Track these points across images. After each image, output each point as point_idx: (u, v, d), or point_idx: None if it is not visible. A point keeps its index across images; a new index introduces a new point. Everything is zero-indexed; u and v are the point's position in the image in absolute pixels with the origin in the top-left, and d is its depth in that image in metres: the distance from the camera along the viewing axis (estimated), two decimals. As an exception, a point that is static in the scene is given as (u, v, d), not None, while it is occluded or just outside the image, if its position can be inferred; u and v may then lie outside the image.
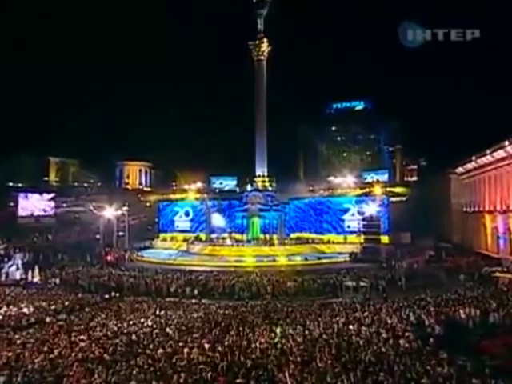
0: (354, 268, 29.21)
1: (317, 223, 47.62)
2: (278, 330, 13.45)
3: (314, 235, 46.37)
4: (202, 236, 48.83)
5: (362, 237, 37.34)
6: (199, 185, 52.37)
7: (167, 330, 14.53)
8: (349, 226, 45.16)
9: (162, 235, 52.96)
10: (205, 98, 73.74)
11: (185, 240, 48.64)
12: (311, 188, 50.30)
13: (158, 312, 18.02)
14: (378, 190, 41.48)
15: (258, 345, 12.00)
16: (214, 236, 47.35)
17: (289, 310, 17.57)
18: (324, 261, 34.89)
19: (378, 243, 34.96)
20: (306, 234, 47.66)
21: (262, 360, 10.33)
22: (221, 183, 68.23)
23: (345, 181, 46.73)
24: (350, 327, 13.95)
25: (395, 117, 76.01)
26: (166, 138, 68.10)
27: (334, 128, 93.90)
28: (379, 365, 10.38)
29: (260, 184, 50.04)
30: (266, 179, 50.79)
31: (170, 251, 44.04)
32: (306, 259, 35.39)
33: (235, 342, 12.24)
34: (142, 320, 16.13)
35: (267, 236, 44.35)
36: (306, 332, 13.49)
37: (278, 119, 56.11)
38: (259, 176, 50.71)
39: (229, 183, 68.13)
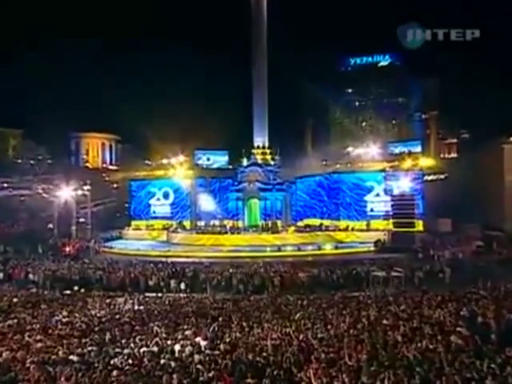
0: (380, 259, 29.57)
1: (331, 206, 48.03)
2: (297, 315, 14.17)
3: (327, 221, 46.84)
4: (187, 224, 49.12)
5: (391, 221, 37.53)
6: (182, 159, 51.53)
7: (151, 325, 14.70)
8: (372, 210, 45.50)
9: (134, 223, 53.38)
10: (186, 54, 72.59)
11: (164, 228, 49.03)
12: (324, 162, 49.89)
13: (136, 307, 18.41)
14: (410, 163, 41.12)
15: (269, 341, 12.17)
16: (201, 223, 47.69)
17: (304, 304, 17.99)
18: (342, 251, 35.43)
19: (411, 229, 34.92)
20: (317, 221, 48.06)
21: (275, 358, 10.55)
22: (208, 159, 67.47)
23: (367, 152, 46.25)
24: (384, 322, 14.17)
25: (430, 75, 75.34)
26: (137, 106, 67.64)
27: (350, 90, 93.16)
28: (426, 363, 10.40)
29: (259, 157, 50.15)
30: (267, 151, 50.89)
31: (145, 242, 44.69)
32: (320, 248, 35.84)
33: (239, 339, 12.53)
34: (117, 316, 16.40)
35: (269, 222, 44.77)
36: (329, 327, 13.79)
37: (279, 78, 55.88)
38: (258, 147, 50.80)
39: (218, 159, 67.37)
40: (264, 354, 10.89)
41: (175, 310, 17.70)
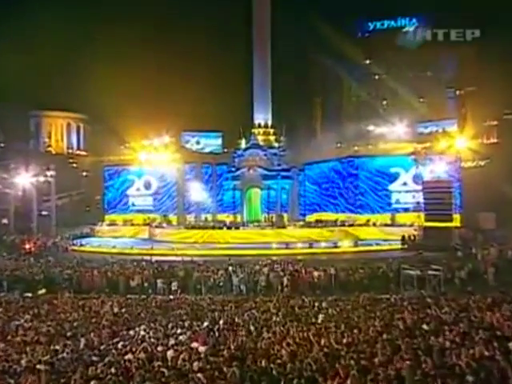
0: (410, 257, 29.66)
1: (348, 197, 48.17)
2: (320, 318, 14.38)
3: (343, 215, 46.90)
4: (173, 218, 49.31)
5: (422, 215, 37.43)
6: (167, 139, 51.42)
7: (136, 329, 14.77)
8: (398, 201, 45.57)
9: (109, 218, 53.49)
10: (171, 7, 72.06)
11: (146, 224, 49.14)
12: (339, 145, 49.83)
13: (116, 309, 18.45)
14: (445, 144, 40.74)
15: (284, 347, 12.29)
16: (191, 218, 48.14)
17: (322, 306, 18.16)
18: (363, 248, 35.92)
19: (447, 224, 34.98)
20: (330, 215, 48.22)
21: (293, 365, 10.60)
22: (198, 142, 67.67)
23: (392, 132, 45.92)
24: (424, 326, 14.27)
25: (466, 42, 75.00)
26: (112, 81, 66.97)
27: (369, 60, 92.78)
28: (483, 372, 10.24)
29: (261, 138, 50.44)
30: (270, 131, 51.21)
31: (123, 240, 44.76)
32: (336, 246, 36.10)
33: (245, 344, 12.64)
34: (94, 320, 16.50)
35: (273, 216, 44.99)
36: (355, 331, 13.90)
37: (285, 47, 55.51)
38: (259, 126, 51.03)
39: (210, 143, 67.63)
40: (279, 360, 11.00)
41: (165, 313, 17.80)
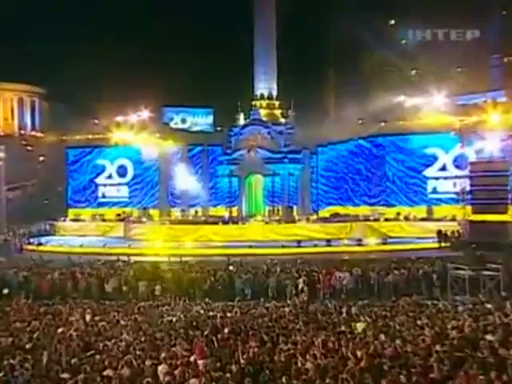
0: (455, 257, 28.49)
1: (373, 186, 47.99)
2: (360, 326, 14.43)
3: (366, 208, 46.90)
4: (154, 213, 49.23)
5: (467, 206, 37.10)
6: (146, 115, 50.86)
7: (115, 340, 14.69)
8: (435, 190, 45.48)
9: (73, 212, 53.57)
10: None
11: (120, 219, 49.05)
12: (360, 121, 49.31)
13: (88, 317, 18.24)
14: (496, 117, 40.02)
15: (310, 360, 12.50)
16: (176, 212, 48.28)
17: (352, 312, 18.26)
18: (393, 247, 35.93)
19: (502, 217, 34.40)
20: (349, 208, 48.21)
21: (324, 382, 10.94)
22: (184, 121, 67.75)
23: (428, 103, 45.31)
24: (489, 337, 14.34)
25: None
26: (76, 48, 66.98)
27: (393, 21, 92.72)
28: None
29: (264, 112, 50.13)
30: (275, 103, 50.74)
31: (91, 238, 44.83)
32: (361, 244, 36.60)
33: (258, 357, 12.71)
34: (60, 330, 16.12)
35: (280, 208, 45.17)
36: (398, 341, 14.03)
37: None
38: (262, 97, 50.60)
39: (199, 121, 67.95)
40: (304, 376, 11.23)
41: (152, 321, 17.75)
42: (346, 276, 24.81)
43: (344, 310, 18.77)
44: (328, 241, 37.23)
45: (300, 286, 24.00)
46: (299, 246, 36.02)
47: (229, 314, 18.53)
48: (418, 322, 16.28)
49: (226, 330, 15.28)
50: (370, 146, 48.21)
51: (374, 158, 47.90)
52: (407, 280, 24.70)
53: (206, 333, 15.06)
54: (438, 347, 13.27)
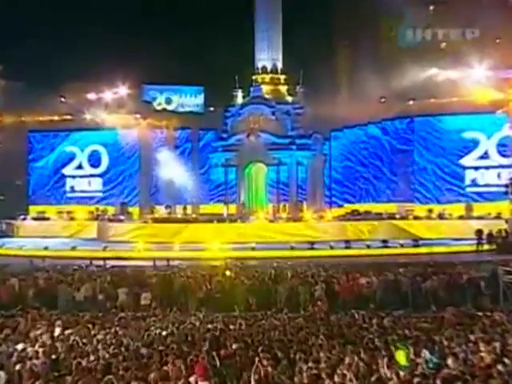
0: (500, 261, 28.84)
1: (398, 178, 47.76)
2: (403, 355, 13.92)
3: (391, 205, 46.66)
4: (133, 209, 49.27)
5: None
6: (124, 92, 50.39)
7: (94, 357, 14.48)
8: (475, 182, 45.41)
9: (35, 209, 53.31)
10: None
11: (94, 218, 48.97)
12: (383, 100, 48.79)
13: (58, 331, 18.02)
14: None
15: (338, 381, 12.43)
16: (161, 209, 48.31)
17: (385, 324, 18.07)
18: (427, 250, 36.01)
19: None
20: (370, 205, 48.22)
21: None
22: (169, 101, 67.02)
23: (467, 78, 44.81)
24: None
25: None
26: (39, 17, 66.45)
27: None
28: None
29: (267, 89, 49.88)
30: (281, 77, 50.56)
31: (58, 240, 44.49)
32: (387, 246, 36.74)
33: (273, 378, 12.59)
34: (20, 347, 15.89)
35: (287, 205, 45.28)
36: (449, 360, 13.73)
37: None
38: (265, 71, 50.22)
39: (187, 101, 67.15)
40: None
41: (137, 336, 17.53)
42: (373, 282, 24.76)
43: (374, 321, 18.57)
44: (347, 242, 37.35)
45: (317, 294, 23.86)
46: (312, 249, 36.05)
47: (231, 327, 18.41)
48: (471, 337, 15.95)
49: (231, 346, 15.09)
50: (394, 129, 48.21)
51: (400, 143, 47.80)
52: (448, 287, 24.38)
53: (204, 348, 14.83)
54: (499, 367, 12.82)
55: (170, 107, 63.91)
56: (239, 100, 51.01)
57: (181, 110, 63.64)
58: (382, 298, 24.05)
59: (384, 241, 37.53)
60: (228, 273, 26.49)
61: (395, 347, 14.64)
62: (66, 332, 17.84)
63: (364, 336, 16.35)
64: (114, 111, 49.08)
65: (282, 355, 13.98)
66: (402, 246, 36.99)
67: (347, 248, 36.29)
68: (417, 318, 19.74)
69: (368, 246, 36.98)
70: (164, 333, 17.50)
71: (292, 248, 36.13)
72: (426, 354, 14.43)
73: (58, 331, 17.96)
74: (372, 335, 16.48)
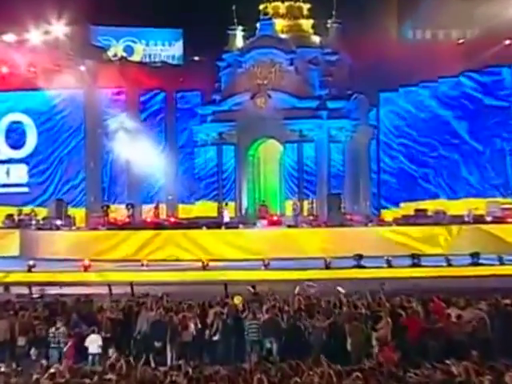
0: None
1: (484, 163, 47.85)
2: None
3: (476, 201, 46.61)
4: (77, 211, 49.13)
5: None
6: (60, 31, 49.73)
7: None
8: None
9: None
10: None
11: (14, 225, 48.39)
12: (461, 41, 49.65)
13: None
14: None
15: None
16: (119, 207, 48.22)
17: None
18: None
19: None
20: (443, 202, 48.04)
21: None
22: (129, 49, 66.57)
23: None
24: None
25: None
26: None
27: None
28: None
29: (283, 24, 49.90)
30: (304, 7, 50.54)
31: None
32: (477, 262, 36.97)
33: None
34: None
35: (313, 202, 45.17)
36: None
37: None
38: None
39: (156, 51, 67.94)
40: None
41: None
42: (471, 316, 23.24)
43: (487, 380, 15.32)
44: (414, 257, 37.35)
45: (379, 334, 22.52)
46: (359, 266, 36.36)
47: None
48: None
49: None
50: (480, 87, 47.71)
51: (488, 110, 47.34)
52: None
53: None
54: None
55: (132, 58, 63.44)
56: (239, 43, 50.63)
57: (149, 62, 63.22)
58: (484, 339, 22.37)
59: (473, 254, 37.33)
60: (237, 301, 25.53)
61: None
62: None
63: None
64: (43, 60, 48.88)
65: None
66: (501, 262, 36.90)
67: (415, 266, 36.66)
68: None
69: (449, 263, 36.86)
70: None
71: (327, 266, 36.39)
72: None
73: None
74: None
